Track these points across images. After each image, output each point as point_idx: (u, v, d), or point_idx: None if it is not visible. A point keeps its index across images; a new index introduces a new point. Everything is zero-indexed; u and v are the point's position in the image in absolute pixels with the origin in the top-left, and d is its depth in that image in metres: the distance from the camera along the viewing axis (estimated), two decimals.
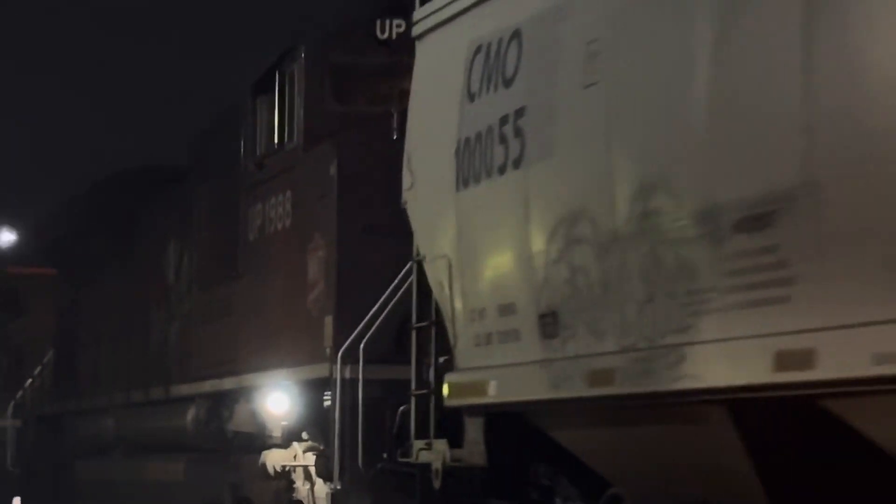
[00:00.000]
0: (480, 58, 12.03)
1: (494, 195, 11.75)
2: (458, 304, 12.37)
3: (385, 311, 14.47)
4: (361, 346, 14.70)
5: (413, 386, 13.30)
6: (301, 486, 16.22)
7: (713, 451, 9.80)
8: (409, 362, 13.42)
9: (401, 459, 13.72)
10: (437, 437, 12.94)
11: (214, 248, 19.41)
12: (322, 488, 15.63)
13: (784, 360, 8.54)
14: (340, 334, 15.08)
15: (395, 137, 14.12)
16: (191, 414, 19.43)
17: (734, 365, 9.10)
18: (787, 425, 9.07)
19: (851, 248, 8.04)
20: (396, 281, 14.08)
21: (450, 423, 12.83)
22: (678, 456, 10.29)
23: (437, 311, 12.83)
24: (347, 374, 14.94)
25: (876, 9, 8.03)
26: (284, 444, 16.50)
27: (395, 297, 14.23)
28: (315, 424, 15.95)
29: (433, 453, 12.95)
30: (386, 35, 14.84)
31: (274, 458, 16.53)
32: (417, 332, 13.22)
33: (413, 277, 13.24)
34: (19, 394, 30.06)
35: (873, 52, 7.94)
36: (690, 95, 9.44)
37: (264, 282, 17.56)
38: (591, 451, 11.27)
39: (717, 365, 9.27)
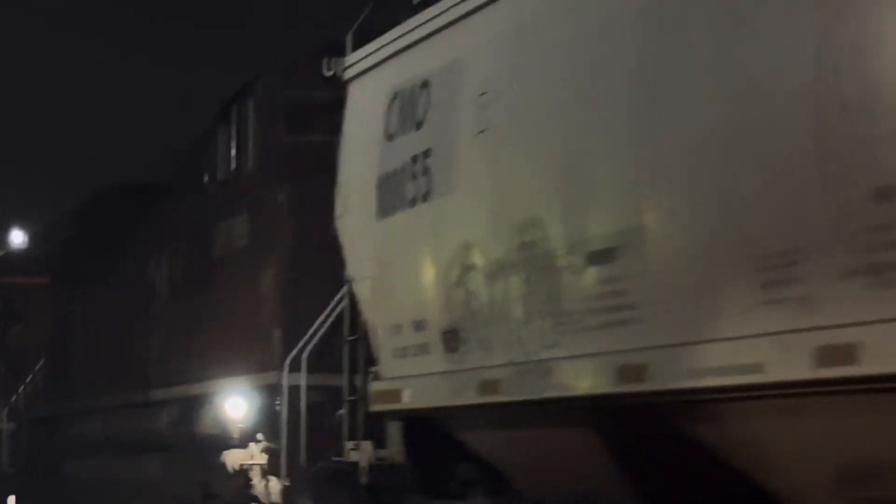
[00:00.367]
0: (397, 103, 13.01)
1: (407, 225, 12.72)
2: (380, 321, 13.32)
3: (326, 326, 15.38)
4: (304, 356, 15.66)
5: (345, 393, 14.24)
6: (258, 483, 16.98)
7: (583, 451, 10.89)
8: (354, 370, 14.27)
9: (335, 458, 14.60)
10: (365, 438, 13.90)
11: (187, 263, 20.21)
12: (276, 484, 16.56)
13: (625, 374, 9.79)
14: (287, 345, 16.01)
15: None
16: (165, 417, 20.23)
17: (590, 377, 10.33)
18: (633, 428, 10.19)
19: (672, 280, 9.41)
20: (337, 298, 14.87)
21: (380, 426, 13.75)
22: (557, 456, 11.36)
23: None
24: (293, 382, 15.90)
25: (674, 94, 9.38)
26: (242, 444, 17.28)
27: (335, 312, 15.08)
28: (268, 426, 16.78)
29: (360, 452, 13.91)
30: (332, 72, 15.17)
31: (233, 458, 17.30)
32: (350, 345, 14.14)
33: (346, 295, 14.17)
34: (14, 398, 30.16)
35: (680, 126, 9.29)
36: (555, 148, 10.64)
37: (226, 296, 18.41)
38: (489, 451, 12.24)
39: (578, 377, 10.47)
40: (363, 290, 13.66)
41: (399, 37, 13.24)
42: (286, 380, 15.95)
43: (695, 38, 9.27)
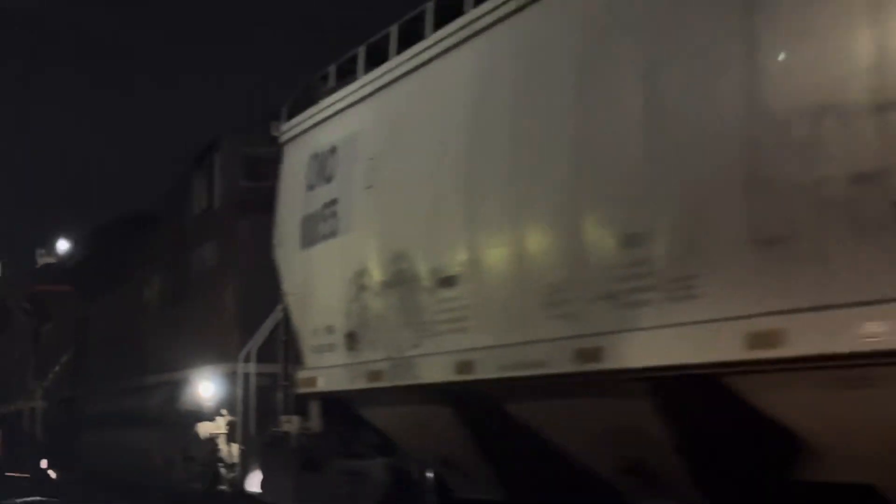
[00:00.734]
0: (315, 162, 13.74)
1: (321, 254, 13.47)
2: (303, 326, 14.01)
3: (270, 328, 15.81)
4: (254, 350, 16.23)
5: (281, 379, 14.89)
6: (223, 447, 17.60)
7: (440, 423, 11.69)
8: (290, 361, 14.74)
9: (273, 429, 15.17)
10: (295, 413, 14.46)
11: (172, 278, 20.75)
12: (235, 448, 17.12)
13: (461, 368, 10.81)
14: (242, 343, 16.58)
15: None
16: (156, 397, 20.70)
17: (440, 369, 11.17)
18: (471, 406, 11.16)
19: (491, 300, 10.49)
20: (279, 307, 15.15)
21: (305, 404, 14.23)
22: (423, 427, 12.16)
23: None
24: (246, 370, 16.45)
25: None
26: (211, 418, 17.89)
27: (276, 318, 15.38)
28: (229, 404, 17.33)
29: (291, 424, 14.53)
30: (276, 134, 15.42)
31: (205, 428, 17.92)
32: (284, 343, 14.81)
33: (283, 306, 14.70)
34: (45, 383, 30.27)
35: (497, 192, 10.35)
36: (418, 200, 11.56)
37: (199, 304, 19.02)
38: (380, 422, 13.05)
39: (432, 369, 11.34)
40: (292, 303, 14.29)
41: (316, 113, 13.92)
42: (241, 368, 16.47)
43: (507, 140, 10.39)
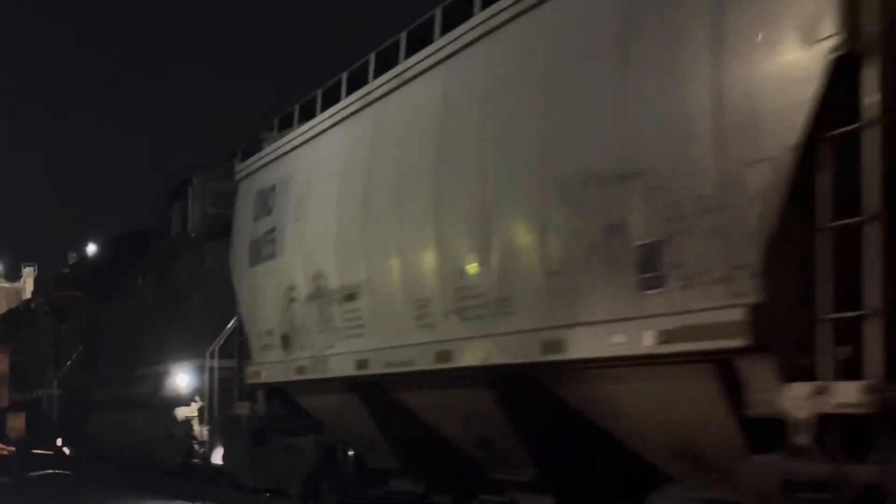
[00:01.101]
0: (260, 197, 14.70)
1: (263, 273, 14.43)
2: (252, 329, 14.99)
3: (230, 330, 16.78)
4: (217, 348, 17.33)
5: (236, 372, 15.97)
6: (196, 427, 18.78)
7: (350, 409, 12.68)
8: (243, 358, 15.65)
9: (230, 413, 16.23)
10: (246, 400, 15.52)
11: (158, 288, 21.84)
12: (204, 428, 18.33)
13: (359, 365, 11.88)
14: (209, 342, 17.65)
15: None
16: (145, 386, 21.72)
17: (346, 366, 12.20)
18: (369, 395, 12.19)
19: (379, 311, 11.75)
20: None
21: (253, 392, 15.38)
22: (339, 412, 13.12)
23: None
24: (211, 365, 17.58)
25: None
26: (187, 403, 19.01)
27: (234, 322, 16.27)
28: (200, 392, 18.45)
29: (243, 409, 15.62)
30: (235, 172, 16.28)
31: (181, 412, 19.09)
32: (239, 343, 15.83)
33: (238, 313, 15.64)
34: (60, 373, 31.14)
35: (384, 225, 11.47)
36: (330, 232, 12.59)
37: (178, 310, 20.09)
38: (310, 408, 14.03)
39: (340, 366, 12.36)
40: (243, 311, 15.32)
41: (261, 157, 14.98)
42: (207, 363, 17.63)
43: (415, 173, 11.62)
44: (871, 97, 6.07)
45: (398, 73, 11.48)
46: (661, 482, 8.90)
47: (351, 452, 14.02)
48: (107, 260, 27.38)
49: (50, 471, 27.12)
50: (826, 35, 6.18)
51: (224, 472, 17.17)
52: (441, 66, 10.64)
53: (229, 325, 16.71)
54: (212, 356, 17.61)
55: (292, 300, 13.66)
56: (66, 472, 26.98)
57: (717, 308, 6.98)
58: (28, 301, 38.77)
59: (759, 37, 6.66)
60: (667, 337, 7.41)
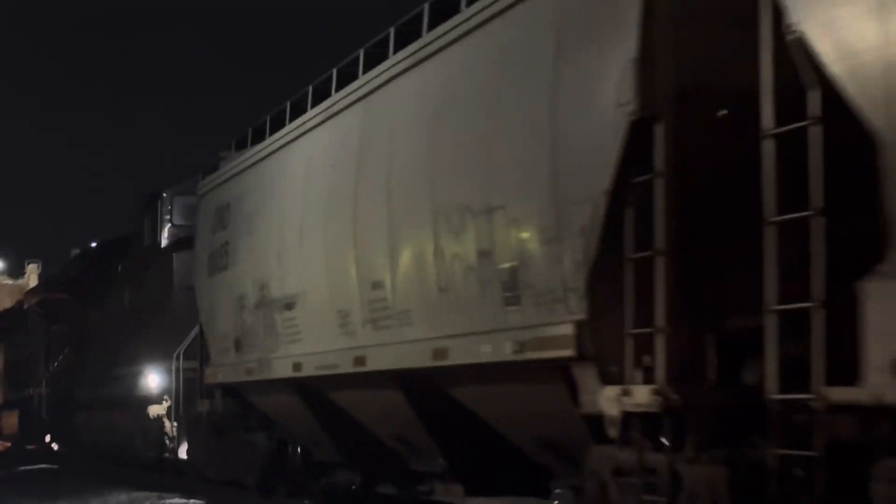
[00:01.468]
0: (217, 213, 15.93)
1: (219, 282, 15.67)
2: (210, 333, 16.26)
3: (194, 335, 17.79)
4: (182, 351, 18.54)
5: (199, 373, 17.15)
6: (167, 423, 19.97)
7: (292, 407, 13.85)
8: (204, 360, 16.81)
9: (193, 410, 17.57)
10: (207, 398, 16.75)
11: (135, 293, 23.02)
12: (172, 424, 19.54)
13: (295, 367, 13.15)
14: (176, 346, 18.85)
15: None
16: (123, 385, 22.84)
17: (286, 368, 13.42)
18: (307, 394, 13.44)
19: (314, 319, 13.08)
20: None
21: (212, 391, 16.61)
22: (282, 409, 14.38)
23: None
24: (178, 366, 18.76)
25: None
26: (159, 402, 20.22)
27: (197, 328, 17.37)
28: (169, 392, 19.62)
29: (203, 406, 16.91)
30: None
31: (153, 410, 20.28)
32: (201, 347, 16.99)
33: (199, 319, 16.85)
34: (49, 373, 32.06)
35: (314, 246, 12.93)
36: (272, 245, 13.87)
37: (149, 315, 21.30)
38: (261, 405, 15.26)
39: (281, 368, 13.58)
40: (203, 316, 16.59)
41: (218, 175, 16.28)
42: (174, 365, 18.85)
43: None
44: (659, 153, 7.44)
45: (327, 106, 12.85)
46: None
47: (299, 447, 15.23)
48: (88, 266, 28.46)
49: (39, 466, 28.26)
50: (627, 101, 7.56)
51: (192, 465, 18.37)
52: (360, 103, 12.01)
53: (194, 330, 17.87)
54: (177, 358, 18.76)
55: (243, 308, 14.95)
56: (54, 466, 28.06)
57: (556, 324, 8.35)
58: (21, 302, 39.89)
59: (582, 98, 8.04)
60: (521, 347, 8.79)
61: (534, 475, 10.72)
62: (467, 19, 9.83)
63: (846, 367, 5.99)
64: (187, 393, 18.38)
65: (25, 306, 38.29)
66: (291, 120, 14.24)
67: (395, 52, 11.47)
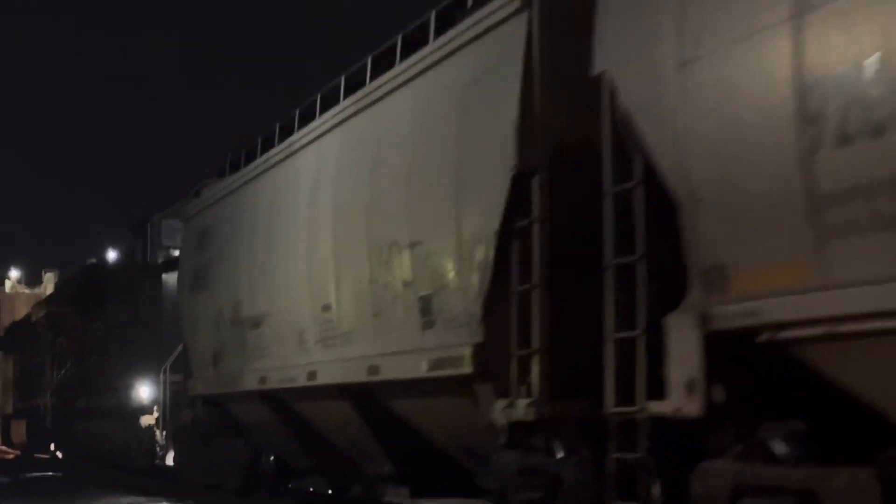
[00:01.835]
0: (199, 236, 17.31)
1: (200, 300, 16.99)
2: (193, 348, 17.59)
3: (180, 349, 19.05)
4: (169, 365, 19.94)
5: (185, 385, 18.40)
6: (158, 433, 21.41)
7: (262, 417, 15.09)
8: (188, 373, 18.04)
9: (179, 420, 18.99)
10: (191, 408, 18.11)
11: (129, 309, 24.16)
12: (161, 433, 21.04)
13: (261, 381, 14.61)
14: (165, 359, 20.28)
15: None
16: (119, 397, 24.09)
17: (254, 380, 14.73)
18: (274, 405, 14.99)
19: (279, 335, 14.49)
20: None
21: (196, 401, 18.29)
22: (255, 419, 15.53)
23: None
24: (165, 379, 20.25)
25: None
26: (150, 412, 21.64)
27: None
28: (157, 402, 21.20)
29: (188, 415, 18.23)
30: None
31: (145, 420, 21.71)
32: (185, 360, 18.24)
33: (184, 334, 18.21)
34: (53, 384, 33.04)
35: (276, 268, 14.41)
36: (241, 270, 15.23)
37: (143, 330, 22.65)
38: (237, 414, 16.47)
39: (251, 380, 14.86)
40: (187, 332, 17.90)
41: (201, 202, 17.68)
42: (162, 377, 20.28)
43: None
44: (536, 202, 8.85)
45: (287, 145, 14.31)
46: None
47: (273, 455, 16.58)
48: (87, 282, 29.32)
49: (43, 473, 29.59)
50: (510, 157, 8.97)
51: (179, 471, 19.72)
52: (315, 143, 13.47)
53: (180, 345, 19.29)
54: (165, 371, 20.24)
55: (219, 325, 16.36)
56: (57, 473, 29.38)
57: (460, 345, 9.77)
58: (28, 315, 41.14)
59: (478, 152, 9.47)
60: (435, 365, 10.21)
61: (463, 478, 12.09)
62: (396, 76, 11.28)
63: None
64: (174, 403, 19.75)
65: (33, 319, 39.46)
66: (262, 153, 15.65)
67: (345, 97, 12.89)
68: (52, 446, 32.84)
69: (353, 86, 12.79)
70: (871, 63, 5.68)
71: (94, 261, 36.95)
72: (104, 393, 25.92)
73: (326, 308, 12.74)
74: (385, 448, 12.89)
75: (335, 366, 12.59)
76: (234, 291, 15.80)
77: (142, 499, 19.83)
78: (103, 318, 26.82)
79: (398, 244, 10.95)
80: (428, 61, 10.58)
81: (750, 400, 7.06)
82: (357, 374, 11.91)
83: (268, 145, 15.55)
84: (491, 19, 9.41)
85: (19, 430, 40.84)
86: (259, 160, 15.52)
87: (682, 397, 7.00)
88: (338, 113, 12.78)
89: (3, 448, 43.96)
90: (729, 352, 6.80)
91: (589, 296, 8.46)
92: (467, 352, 9.60)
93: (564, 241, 8.82)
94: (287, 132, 14.80)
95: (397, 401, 11.75)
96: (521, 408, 8.89)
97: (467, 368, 9.59)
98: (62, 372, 32.21)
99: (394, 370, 11.07)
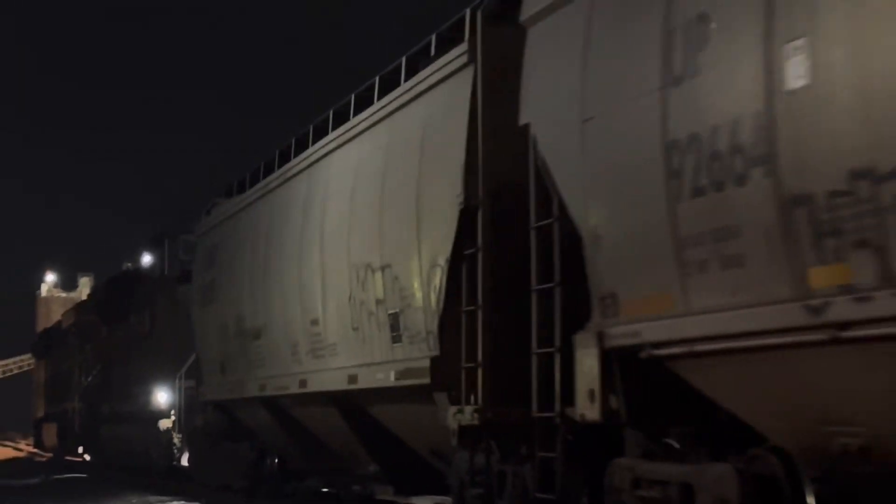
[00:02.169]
0: (209, 252, 18.66)
1: (209, 313, 18.33)
2: (203, 356, 18.97)
3: (193, 357, 20.44)
4: (184, 372, 21.26)
5: (197, 391, 19.96)
6: (175, 436, 22.72)
7: (264, 421, 16.39)
8: (199, 379, 19.48)
9: (192, 424, 20.43)
10: (201, 413, 19.65)
11: (148, 320, 25.82)
12: (177, 436, 22.42)
13: (261, 388, 16.07)
14: (180, 366, 21.67)
15: None
16: (139, 402, 25.64)
17: (255, 388, 16.07)
18: (272, 410, 16.36)
19: (275, 347, 15.80)
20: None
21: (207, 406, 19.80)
22: (259, 423, 16.83)
23: None
24: (180, 385, 21.59)
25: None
26: (167, 416, 22.98)
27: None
28: (174, 406, 22.57)
29: (200, 419, 19.68)
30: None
31: (163, 423, 23.02)
32: (198, 367, 19.77)
33: (195, 343, 19.69)
34: (82, 389, 34.68)
35: (269, 287, 15.72)
36: (243, 285, 16.59)
37: (158, 339, 24.12)
38: (244, 419, 17.82)
39: (253, 387, 16.20)
40: (198, 341, 19.28)
41: (211, 220, 18.96)
42: (177, 384, 21.62)
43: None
44: (479, 233, 10.11)
45: (284, 170, 15.60)
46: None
47: (276, 457, 17.95)
48: (115, 290, 30.95)
49: (71, 475, 31.02)
50: (458, 194, 10.24)
51: (192, 471, 21.05)
52: (306, 171, 14.76)
53: (194, 354, 20.65)
54: (180, 378, 21.59)
55: (226, 336, 17.72)
56: (83, 474, 30.83)
57: (421, 358, 11.04)
58: (59, 322, 42.66)
59: (434, 188, 10.74)
60: (401, 376, 11.48)
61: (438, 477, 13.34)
62: (372, 114, 12.60)
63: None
64: (188, 408, 21.08)
65: (64, 325, 40.98)
66: (263, 177, 16.96)
67: (333, 129, 14.19)
68: (81, 449, 34.01)
69: (341, 119, 14.07)
70: (715, 128, 6.90)
71: (129, 265, 38.72)
72: (126, 398, 27.45)
73: (315, 322, 14.01)
74: (368, 450, 14.15)
75: (322, 375, 13.86)
76: (237, 305, 17.10)
77: (162, 498, 21.15)
78: (126, 326, 28.31)
79: (372, 266, 12.22)
80: (396, 103, 11.87)
81: (647, 407, 8.29)
82: (340, 383, 13.18)
83: (269, 170, 16.84)
84: (443, 71, 10.68)
85: (50, 433, 42.43)
86: (260, 184, 16.81)
87: (585, 404, 8.23)
88: (325, 144, 14.07)
89: (36, 451, 45.51)
90: (622, 366, 8.03)
91: (524, 316, 9.71)
92: (426, 364, 10.86)
93: (504, 268, 10.04)
94: (286, 158, 16.08)
95: (374, 407, 13.01)
96: (469, 414, 10.14)
97: (426, 379, 10.85)
98: (89, 378, 33.80)
99: (368, 380, 12.34)
